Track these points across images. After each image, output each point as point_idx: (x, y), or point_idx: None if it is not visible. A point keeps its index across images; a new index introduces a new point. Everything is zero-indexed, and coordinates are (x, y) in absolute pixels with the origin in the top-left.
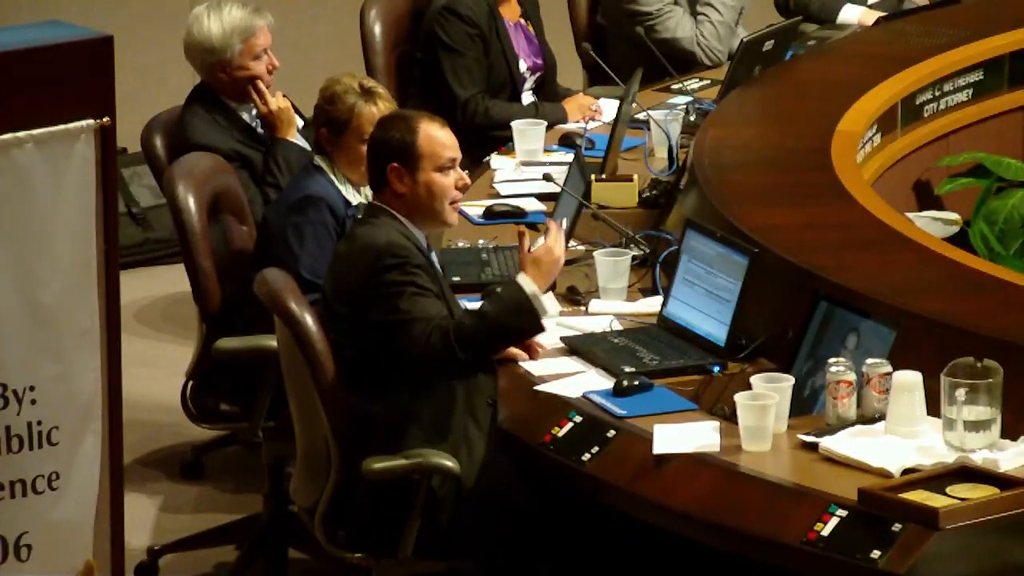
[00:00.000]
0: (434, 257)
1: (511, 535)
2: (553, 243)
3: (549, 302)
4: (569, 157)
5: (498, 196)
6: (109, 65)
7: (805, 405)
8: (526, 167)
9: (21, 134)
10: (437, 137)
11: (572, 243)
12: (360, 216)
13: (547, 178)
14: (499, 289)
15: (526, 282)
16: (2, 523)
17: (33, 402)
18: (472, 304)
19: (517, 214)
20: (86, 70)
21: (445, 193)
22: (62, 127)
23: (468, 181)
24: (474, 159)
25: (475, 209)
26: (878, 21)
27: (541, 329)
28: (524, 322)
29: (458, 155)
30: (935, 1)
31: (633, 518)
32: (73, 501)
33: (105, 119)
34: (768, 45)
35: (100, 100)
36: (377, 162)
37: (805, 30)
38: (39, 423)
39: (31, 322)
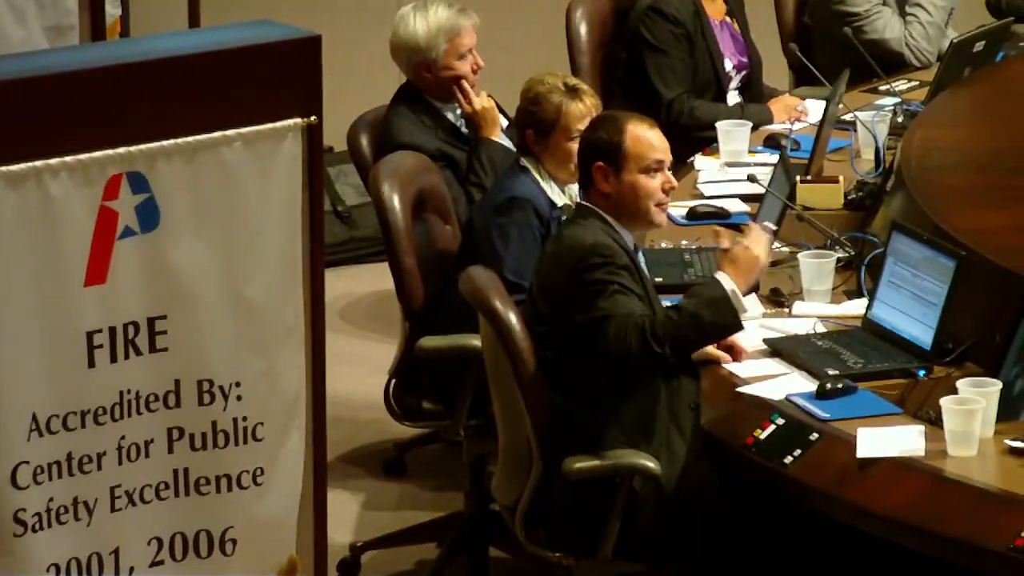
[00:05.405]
0: (641, 258)
1: (711, 538)
2: (752, 242)
3: (751, 303)
4: (774, 158)
5: (702, 197)
6: (317, 64)
7: (1013, 410)
8: (730, 168)
9: (230, 132)
10: (644, 138)
11: (776, 245)
12: (568, 217)
13: (751, 179)
14: (697, 286)
15: (725, 279)
16: (208, 517)
17: (239, 398)
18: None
19: (721, 215)
20: (294, 69)
21: (650, 195)
22: (270, 125)
23: (675, 184)
24: (678, 159)
25: (679, 210)
26: None
27: (740, 327)
28: (722, 318)
29: (667, 157)
30: None
31: (836, 522)
32: (277, 497)
33: (312, 118)
34: (979, 46)
35: (307, 99)
36: (584, 161)
37: (1017, 31)
38: (244, 419)
39: (238, 318)
